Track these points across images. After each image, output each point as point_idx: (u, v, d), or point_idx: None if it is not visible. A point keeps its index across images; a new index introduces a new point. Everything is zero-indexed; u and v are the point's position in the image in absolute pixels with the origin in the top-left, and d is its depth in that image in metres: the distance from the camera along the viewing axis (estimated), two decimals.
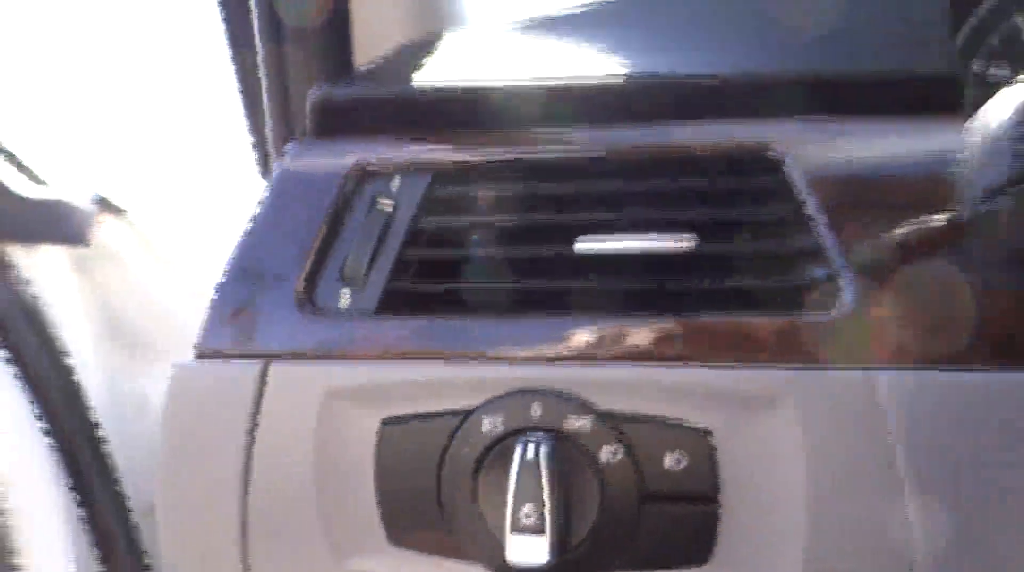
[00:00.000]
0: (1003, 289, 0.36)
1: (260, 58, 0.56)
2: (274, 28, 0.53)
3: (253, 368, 0.41)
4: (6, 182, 0.75)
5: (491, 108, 0.46)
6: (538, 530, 0.36)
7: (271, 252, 0.44)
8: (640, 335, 0.39)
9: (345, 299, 0.43)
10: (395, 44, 0.54)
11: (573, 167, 0.44)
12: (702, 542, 0.37)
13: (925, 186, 0.39)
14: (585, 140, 0.45)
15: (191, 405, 0.42)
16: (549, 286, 0.41)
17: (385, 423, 0.40)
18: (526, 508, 0.36)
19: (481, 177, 0.44)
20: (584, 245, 0.42)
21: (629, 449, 0.37)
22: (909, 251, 0.37)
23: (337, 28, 0.53)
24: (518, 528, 0.36)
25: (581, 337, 0.39)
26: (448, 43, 0.54)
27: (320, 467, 0.40)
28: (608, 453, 0.37)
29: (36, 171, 0.79)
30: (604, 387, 0.38)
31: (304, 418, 0.40)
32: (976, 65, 0.56)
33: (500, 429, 0.38)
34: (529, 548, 0.36)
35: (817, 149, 0.41)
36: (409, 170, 0.45)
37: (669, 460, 0.37)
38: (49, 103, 0.91)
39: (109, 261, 0.82)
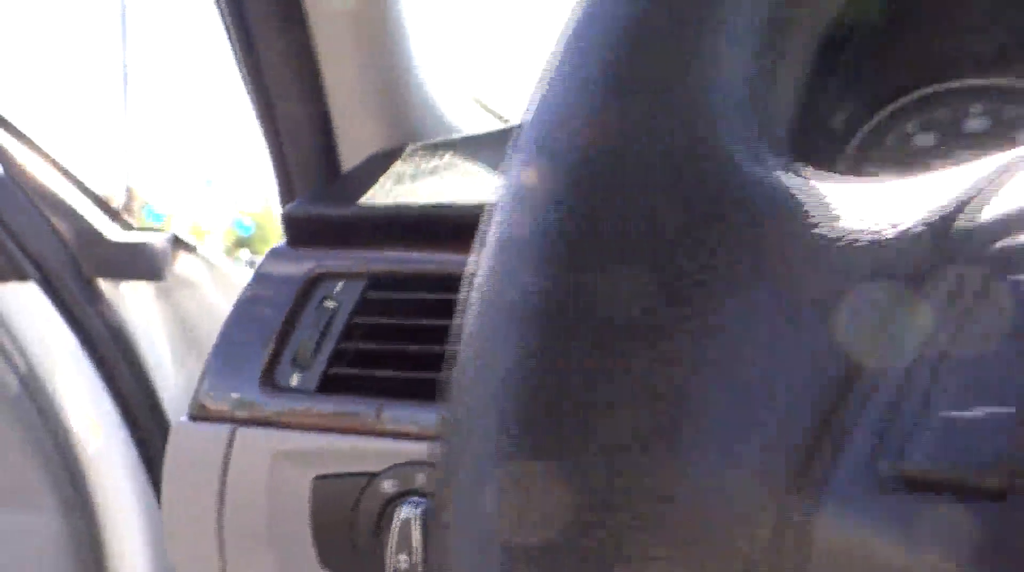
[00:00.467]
0: None
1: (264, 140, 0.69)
2: (272, 128, 0.66)
3: (225, 430, 0.55)
4: (99, 228, 0.92)
5: (419, 227, 0.57)
6: None
7: (245, 339, 0.57)
8: None
9: (296, 379, 0.55)
10: (371, 151, 0.66)
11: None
12: None
13: None
14: None
15: (183, 455, 0.56)
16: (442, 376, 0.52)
17: (316, 479, 0.53)
18: (402, 556, 0.48)
19: (404, 284, 0.56)
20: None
21: None
22: None
23: (322, 132, 0.65)
24: None
25: None
26: (408, 158, 0.65)
27: (271, 509, 0.54)
28: None
29: (124, 217, 0.96)
30: None
31: (258, 472, 0.54)
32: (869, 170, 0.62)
33: (395, 490, 0.50)
34: None
35: None
36: (350, 277, 0.56)
37: None
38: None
39: (185, 289, 0.99)
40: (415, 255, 0.56)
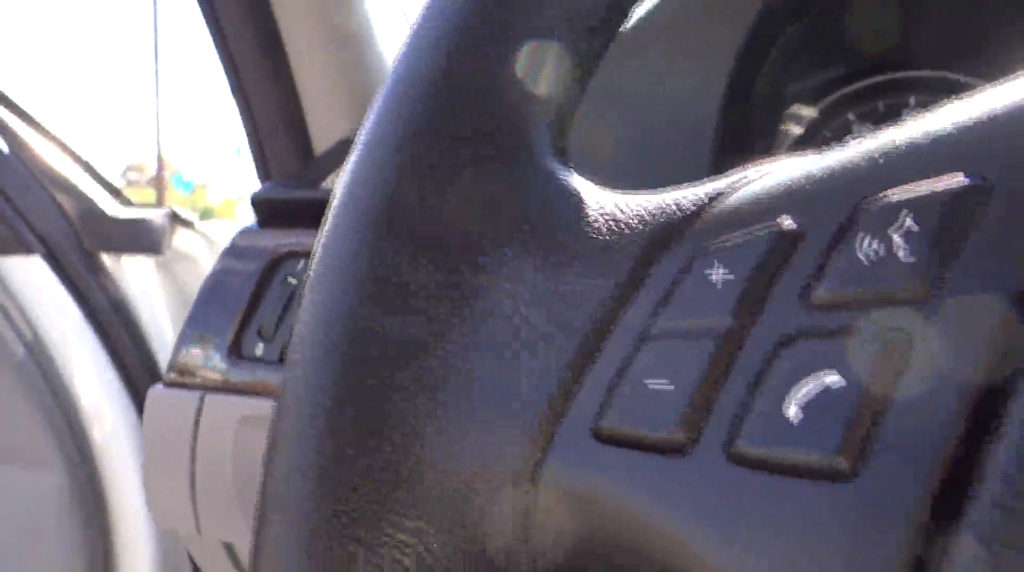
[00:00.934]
0: None
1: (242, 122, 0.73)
2: (249, 119, 0.70)
3: (195, 397, 0.60)
4: (101, 205, 0.97)
5: None
6: None
7: (215, 312, 0.62)
8: None
9: (260, 350, 0.60)
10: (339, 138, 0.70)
11: None
12: None
13: None
14: None
15: (158, 419, 0.61)
16: None
17: None
18: None
19: None
20: None
21: None
22: None
23: (294, 122, 0.70)
24: None
25: None
26: None
27: (237, 469, 0.58)
28: None
29: (124, 195, 1.01)
30: None
31: (226, 435, 0.59)
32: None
33: None
34: None
35: None
36: (309, 256, 0.61)
37: None
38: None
39: (183, 262, 1.04)
40: None
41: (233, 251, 0.63)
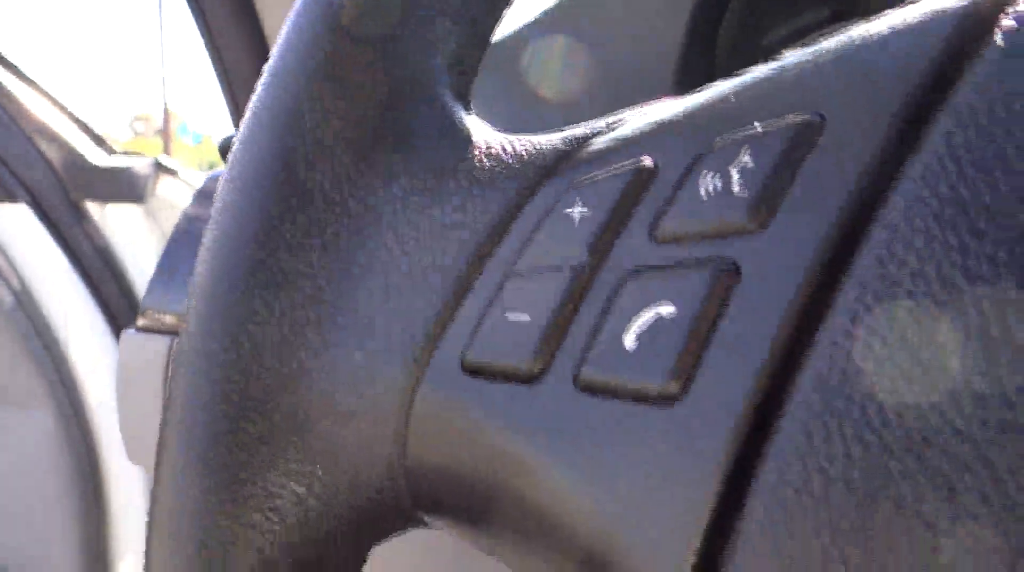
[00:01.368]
0: None
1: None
2: (220, 64, 0.72)
3: (164, 341, 0.62)
4: (85, 154, 0.99)
5: None
6: None
7: (184, 257, 0.63)
8: None
9: None
10: None
11: None
12: None
13: None
14: None
15: (130, 363, 0.63)
16: None
17: None
18: None
19: None
20: None
21: None
22: None
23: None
24: None
25: None
26: None
27: None
28: None
29: (109, 143, 1.02)
30: None
31: None
32: None
33: None
34: None
35: None
36: None
37: None
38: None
39: (167, 210, 1.05)
40: None
41: (204, 196, 0.65)
